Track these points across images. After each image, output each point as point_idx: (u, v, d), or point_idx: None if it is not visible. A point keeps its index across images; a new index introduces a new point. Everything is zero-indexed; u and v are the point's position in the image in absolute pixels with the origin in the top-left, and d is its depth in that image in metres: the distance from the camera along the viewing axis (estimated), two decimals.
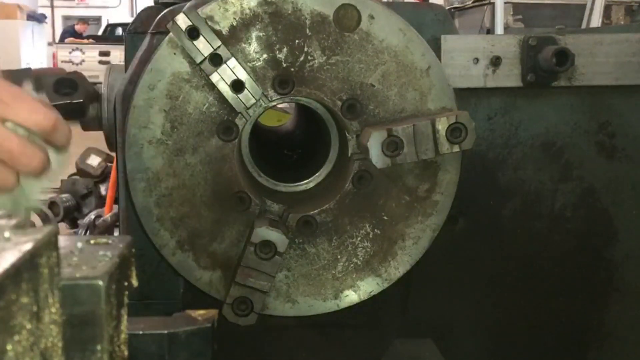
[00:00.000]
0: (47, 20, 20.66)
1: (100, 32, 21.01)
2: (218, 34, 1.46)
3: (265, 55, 1.49)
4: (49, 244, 0.55)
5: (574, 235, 1.77)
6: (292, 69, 1.50)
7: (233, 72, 1.47)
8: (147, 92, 1.49)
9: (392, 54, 1.51)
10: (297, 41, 1.49)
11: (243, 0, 1.47)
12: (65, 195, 4.62)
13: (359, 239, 1.59)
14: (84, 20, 20.81)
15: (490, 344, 1.83)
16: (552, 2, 6.76)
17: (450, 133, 1.45)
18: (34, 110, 1.05)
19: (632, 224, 1.78)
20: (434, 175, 1.57)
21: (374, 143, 1.45)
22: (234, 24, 1.47)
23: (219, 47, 1.46)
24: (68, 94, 1.74)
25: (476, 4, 6.88)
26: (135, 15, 1.80)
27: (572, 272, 1.79)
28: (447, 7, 7.01)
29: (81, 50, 16.82)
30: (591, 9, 5.67)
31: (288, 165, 2.03)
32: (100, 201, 4.59)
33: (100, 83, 1.83)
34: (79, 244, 0.68)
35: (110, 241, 0.70)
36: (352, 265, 1.60)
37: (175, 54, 1.48)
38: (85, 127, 1.84)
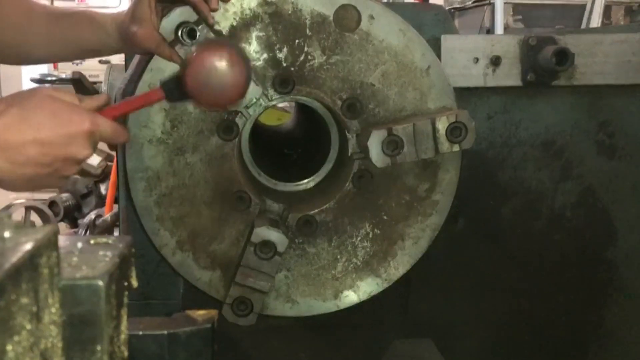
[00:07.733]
0: None
1: None
2: (218, 34, 1.46)
3: (265, 55, 1.49)
4: (49, 244, 0.55)
5: (574, 235, 1.76)
6: (292, 69, 1.50)
7: None
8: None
9: (392, 54, 1.51)
10: (297, 41, 1.49)
11: (243, 0, 1.46)
12: (65, 195, 4.61)
13: (358, 239, 1.59)
14: None
15: (490, 344, 1.82)
16: (552, 2, 6.75)
17: (450, 132, 1.45)
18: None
19: (632, 224, 1.78)
20: (433, 174, 1.57)
21: (374, 142, 1.45)
22: (234, 24, 1.47)
23: None
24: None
25: (476, 4, 6.87)
26: None
27: (572, 272, 1.79)
28: (447, 7, 6.99)
29: None
30: (591, 9, 5.67)
31: (288, 165, 2.03)
32: (100, 201, 4.59)
33: (101, 82, 1.83)
34: (79, 244, 0.68)
35: (110, 241, 0.70)
36: (351, 265, 1.60)
37: None
38: None
